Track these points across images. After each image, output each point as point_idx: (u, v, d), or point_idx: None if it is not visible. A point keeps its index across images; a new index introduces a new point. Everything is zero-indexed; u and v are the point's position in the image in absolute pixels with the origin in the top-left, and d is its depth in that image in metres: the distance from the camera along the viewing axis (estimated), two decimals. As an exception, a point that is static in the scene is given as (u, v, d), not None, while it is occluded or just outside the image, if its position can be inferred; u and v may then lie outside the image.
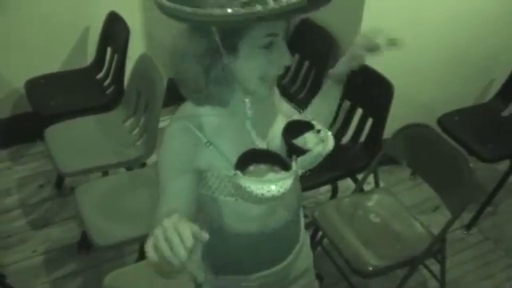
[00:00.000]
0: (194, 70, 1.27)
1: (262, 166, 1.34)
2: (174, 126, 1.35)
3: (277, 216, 1.50)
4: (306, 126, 1.48)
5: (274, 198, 1.31)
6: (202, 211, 1.46)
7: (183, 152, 1.34)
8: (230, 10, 1.11)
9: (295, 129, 1.47)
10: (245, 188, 1.28)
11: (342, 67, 1.72)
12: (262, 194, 1.28)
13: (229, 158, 1.34)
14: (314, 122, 1.49)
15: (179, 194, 1.32)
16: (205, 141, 1.33)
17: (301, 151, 1.41)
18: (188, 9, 1.14)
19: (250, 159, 1.33)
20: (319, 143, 1.45)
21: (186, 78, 1.29)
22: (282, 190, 1.31)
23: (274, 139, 1.47)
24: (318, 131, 1.48)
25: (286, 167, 1.35)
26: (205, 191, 1.41)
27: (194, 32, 1.25)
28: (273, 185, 1.29)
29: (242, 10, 1.11)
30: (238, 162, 1.32)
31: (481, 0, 3.13)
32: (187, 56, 1.26)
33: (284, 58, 1.28)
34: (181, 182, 1.33)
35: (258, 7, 1.11)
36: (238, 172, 1.29)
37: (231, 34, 1.22)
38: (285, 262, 1.62)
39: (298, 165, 1.39)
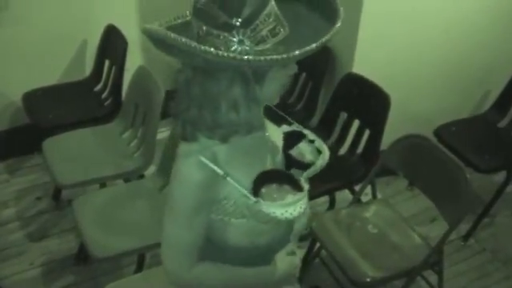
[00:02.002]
0: (228, 107, 1.25)
1: (274, 187, 1.35)
2: (188, 163, 1.32)
3: (282, 227, 1.50)
4: (298, 136, 1.51)
5: (294, 219, 1.35)
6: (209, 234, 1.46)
7: (202, 189, 1.32)
8: (285, 56, 1.14)
9: (289, 140, 1.50)
10: (268, 214, 1.30)
11: None
12: (286, 218, 1.32)
13: (245, 186, 1.33)
14: (305, 132, 1.53)
15: (202, 231, 1.38)
16: (221, 173, 1.31)
17: (305, 166, 1.45)
18: (235, 55, 1.13)
19: (261, 182, 1.35)
20: (317, 154, 1.48)
21: (231, 120, 1.26)
22: (301, 210, 1.34)
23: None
24: (311, 141, 1.51)
25: (293, 183, 1.37)
26: (215, 216, 1.40)
27: (223, 75, 1.22)
28: (294, 207, 1.32)
29: (290, 54, 1.14)
30: (253, 188, 1.33)
31: (476, 12, 3.15)
32: (226, 100, 1.24)
33: (294, 67, 1.32)
34: (203, 217, 1.36)
35: (315, 44, 1.16)
36: (260, 199, 1.31)
37: (263, 69, 1.24)
38: None
39: (303, 178, 1.43)
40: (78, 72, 3.50)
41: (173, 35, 1.13)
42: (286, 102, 3.33)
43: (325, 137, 2.98)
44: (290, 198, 1.33)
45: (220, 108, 1.24)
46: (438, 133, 3.17)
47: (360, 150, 2.90)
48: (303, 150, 1.49)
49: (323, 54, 3.12)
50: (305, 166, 1.45)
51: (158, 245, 2.28)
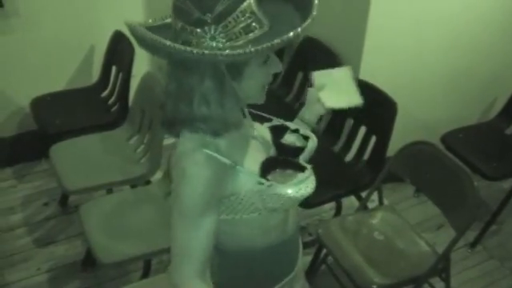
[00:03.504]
0: (199, 101, 1.25)
1: (277, 172, 1.38)
2: (194, 160, 1.28)
3: (290, 220, 1.53)
4: (281, 130, 1.56)
5: (307, 196, 1.38)
6: (223, 238, 1.44)
7: (213, 184, 1.29)
8: (252, 49, 1.16)
9: (274, 135, 1.54)
10: (284, 195, 1.34)
11: (307, 114, 1.72)
12: (302, 195, 1.36)
13: (253, 173, 1.34)
14: (287, 124, 1.57)
15: (213, 231, 1.33)
16: (229, 163, 1.29)
17: (298, 151, 1.50)
18: (207, 51, 1.15)
19: (265, 170, 1.37)
20: (304, 141, 1.54)
21: (204, 115, 1.26)
22: (313, 186, 1.39)
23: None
24: (295, 131, 1.56)
25: (294, 165, 1.42)
26: (226, 216, 1.38)
27: (196, 69, 1.23)
28: (306, 183, 1.37)
29: (260, 47, 1.16)
30: (262, 173, 1.35)
31: (483, 19, 3.15)
32: (198, 94, 1.24)
33: (277, 66, 1.33)
34: (212, 218, 1.32)
35: (276, 40, 1.15)
36: (274, 182, 1.34)
37: (238, 64, 1.25)
38: (298, 265, 1.64)
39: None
40: (85, 78, 3.51)
41: (149, 34, 1.17)
42: (293, 107, 3.34)
43: (331, 143, 2.98)
44: (300, 176, 1.37)
45: (193, 101, 1.25)
46: (445, 140, 3.16)
47: (366, 156, 2.90)
48: (290, 139, 1.54)
49: (330, 61, 3.12)
50: (298, 151, 1.50)
51: (164, 250, 2.31)
